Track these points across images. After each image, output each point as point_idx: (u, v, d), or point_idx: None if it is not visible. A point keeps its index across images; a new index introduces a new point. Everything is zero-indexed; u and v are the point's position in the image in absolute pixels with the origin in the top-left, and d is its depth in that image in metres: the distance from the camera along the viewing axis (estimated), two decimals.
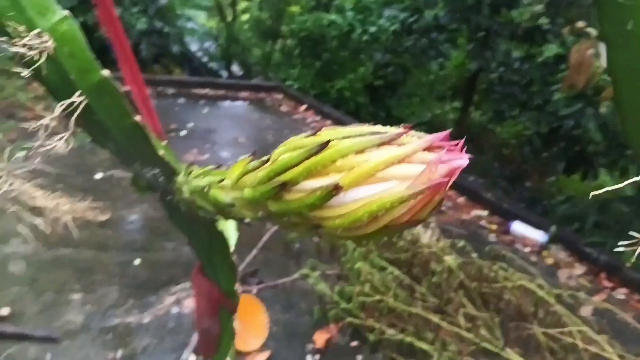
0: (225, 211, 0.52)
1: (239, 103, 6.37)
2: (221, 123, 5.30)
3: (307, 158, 0.35)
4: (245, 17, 9.06)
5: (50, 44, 0.50)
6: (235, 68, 9.10)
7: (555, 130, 4.16)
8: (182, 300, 2.23)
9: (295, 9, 7.55)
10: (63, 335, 1.89)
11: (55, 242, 2.43)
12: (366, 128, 0.37)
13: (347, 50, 6.51)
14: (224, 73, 8.88)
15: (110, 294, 2.21)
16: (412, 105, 6.45)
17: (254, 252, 2.59)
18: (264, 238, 2.67)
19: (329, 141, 0.35)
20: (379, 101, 6.40)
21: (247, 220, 0.49)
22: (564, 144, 4.20)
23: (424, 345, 2.13)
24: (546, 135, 4.33)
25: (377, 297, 2.24)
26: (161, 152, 0.58)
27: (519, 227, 3.65)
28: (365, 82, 6.47)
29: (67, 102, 0.49)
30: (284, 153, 0.40)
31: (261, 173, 0.40)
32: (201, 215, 0.57)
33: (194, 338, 1.98)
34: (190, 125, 4.96)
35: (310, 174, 0.35)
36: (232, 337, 0.78)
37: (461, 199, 4.14)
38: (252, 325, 2.07)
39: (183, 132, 4.69)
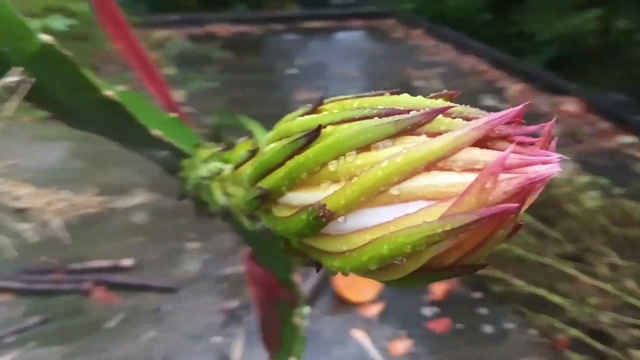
0: (227, 214, 0.38)
1: (350, 33, 6.11)
2: (333, 56, 5.11)
3: (290, 156, 0.23)
4: None
5: None
6: None
7: None
8: None
9: None
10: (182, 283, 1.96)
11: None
12: (385, 98, 0.23)
13: None
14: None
15: (226, 241, 2.23)
16: (545, 17, 5.64)
17: None
18: None
19: (319, 128, 0.22)
20: (504, 16, 5.72)
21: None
22: None
23: (558, 299, 1.88)
24: None
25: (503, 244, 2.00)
26: (156, 132, 0.44)
27: None
28: None
29: (4, 80, 0.36)
30: (272, 140, 0.27)
31: (249, 170, 0.27)
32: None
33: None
34: (301, 62, 4.84)
35: (293, 182, 0.23)
36: (296, 333, 0.66)
37: (604, 124, 3.59)
38: None
39: (294, 71, 4.60)
